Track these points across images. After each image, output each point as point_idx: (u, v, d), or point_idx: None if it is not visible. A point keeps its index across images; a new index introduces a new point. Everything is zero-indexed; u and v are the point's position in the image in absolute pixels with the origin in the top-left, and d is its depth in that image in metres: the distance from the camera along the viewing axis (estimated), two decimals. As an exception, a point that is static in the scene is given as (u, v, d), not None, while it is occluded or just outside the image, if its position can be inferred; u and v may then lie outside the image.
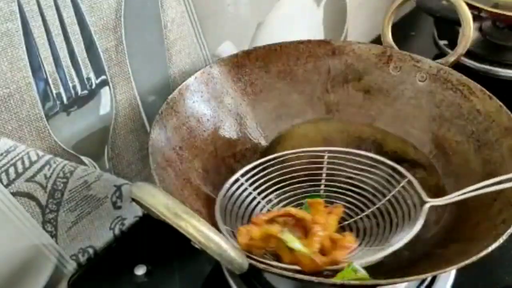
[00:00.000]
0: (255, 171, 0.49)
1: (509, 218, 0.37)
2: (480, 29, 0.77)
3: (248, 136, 0.52)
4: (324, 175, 0.50)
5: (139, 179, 0.53)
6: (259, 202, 0.47)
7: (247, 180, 0.48)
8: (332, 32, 0.76)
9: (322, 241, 0.39)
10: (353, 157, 0.50)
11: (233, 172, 0.49)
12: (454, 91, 0.50)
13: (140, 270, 0.47)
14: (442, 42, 0.76)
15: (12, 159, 0.41)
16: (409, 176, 0.47)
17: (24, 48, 0.39)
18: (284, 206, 0.47)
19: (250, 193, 0.48)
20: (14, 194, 0.42)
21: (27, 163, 0.42)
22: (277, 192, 0.49)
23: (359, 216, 0.47)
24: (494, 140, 0.45)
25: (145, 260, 0.48)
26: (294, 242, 0.38)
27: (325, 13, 0.73)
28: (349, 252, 0.40)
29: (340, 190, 0.49)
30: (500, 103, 0.46)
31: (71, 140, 0.45)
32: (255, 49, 0.54)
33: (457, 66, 0.52)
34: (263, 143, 0.53)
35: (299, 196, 0.49)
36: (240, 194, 0.47)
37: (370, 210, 0.46)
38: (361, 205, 0.47)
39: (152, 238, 0.51)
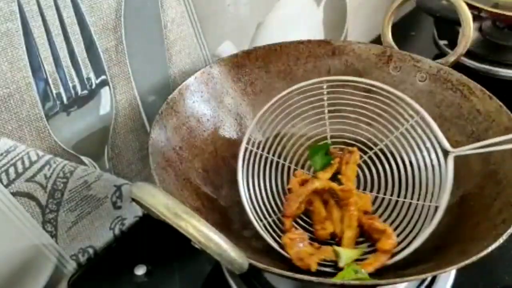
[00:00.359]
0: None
1: (509, 218, 0.37)
2: (480, 29, 0.77)
3: (248, 136, 0.52)
4: (326, 105, 0.50)
5: (139, 179, 0.53)
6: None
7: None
8: (332, 32, 0.76)
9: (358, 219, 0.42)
10: (354, 84, 0.49)
11: (233, 172, 0.49)
12: (454, 91, 0.50)
13: (140, 270, 0.47)
14: (442, 42, 0.76)
15: (12, 159, 0.41)
16: (422, 111, 0.45)
17: (24, 48, 0.39)
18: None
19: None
20: (14, 194, 0.42)
21: (27, 163, 0.42)
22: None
23: (369, 154, 0.48)
24: (494, 140, 0.45)
25: (145, 260, 0.48)
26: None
27: (325, 13, 0.73)
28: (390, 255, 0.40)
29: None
30: (500, 103, 0.46)
31: (71, 140, 0.45)
32: (255, 49, 0.54)
33: (457, 66, 0.52)
34: (263, 143, 0.53)
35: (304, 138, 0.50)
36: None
37: (379, 147, 0.46)
38: (371, 137, 0.48)
39: (152, 238, 0.51)
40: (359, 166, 0.49)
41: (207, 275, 0.48)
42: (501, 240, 0.35)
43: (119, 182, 0.51)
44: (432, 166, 0.44)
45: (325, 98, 0.50)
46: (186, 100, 0.49)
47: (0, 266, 0.43)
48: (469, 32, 0.52)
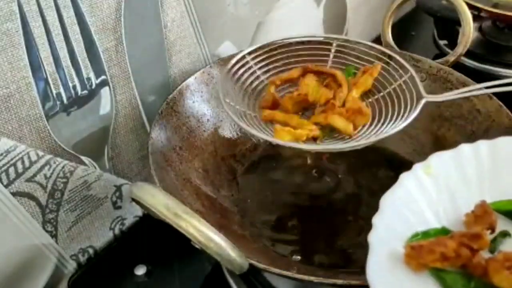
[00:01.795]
0: (262, 51, 0.48)
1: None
2: (480, 29, 0.77)
3: (248, 136, 0.52)
4: (330, 62, 0.49)
5: (139, 179, 0.53)
6: (264, 84, 0.47)
7: (253, 59, 0.47)
8: (332, 32, 0.76)
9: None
10: (361, 48, 0.49)
11: (233, 172, 0.49)
12: (454, 91, 0.50)
13: (140, 270, 0.47)
14: (442, 42, 0.76)
15: (12, 159, 0.41)
16: (412, 72, 0.45)
17: (24, 48, 0.39)
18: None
19: (255, 72, 0.47)
20: (14, 194, 0.42)
21: (27, 163, 0.42)
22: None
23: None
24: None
25: (145, 260, 0.48)
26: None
27: (325, 13, 0.73)
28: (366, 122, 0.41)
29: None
30: (500, 103, 0.46)
31: (71, 140, 0.45)
32: (255, 49, 0.54)
33: (457, 66, 0.52)
34: (263, 143, 0.53)
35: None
36: (244, 72, 0.46)
37: (371, 99, 0.46)
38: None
39: (152, 238, 0.51)
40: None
41: (207, 275, 0.48)
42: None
43: (119, 182, 0.51)
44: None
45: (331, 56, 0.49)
46: (186, 100, 0.49)
47: (0, 266, 0.43)
48: (469, 32, 0.52)
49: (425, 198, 0.35)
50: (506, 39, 0.74)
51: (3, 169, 0.41)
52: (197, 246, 0.32)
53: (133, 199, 0.34)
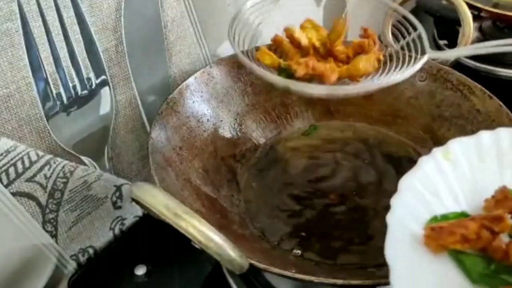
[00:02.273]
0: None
1: None
2: (480, 29, 0.77)
3: (248, 136, 0.52)
4: None
5: (139, 179, 0.53)
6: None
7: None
8: (332, 32, 0.76)
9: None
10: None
11: (233, 172, 0.49)
12: (454, 91, 0.50)
13: (140, 270, 0.47)
14: (442, 42, 0.76)
15: (12, 159, 0.41)
16: (421, 29, 0.45)
17: (24, 48, 0.39)
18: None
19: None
20: (14, 194, 0.42)
21: (27, 163, 0.42)
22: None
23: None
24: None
25: (145, 260, 0.48)
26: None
27: (325, 13, 0.73)
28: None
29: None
30: (500, 103, 0.46)
31: (71, 140, 0.45)
32: (255, 49, 0.54)
33: (457, 66, 0.52)
34: (263, 143, 0.53)
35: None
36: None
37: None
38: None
39: (152, 238, 0.51)
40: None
41: (207, 275, 0.48)
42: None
43: (119, 182, 0.51)
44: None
45: None
46: (186, 100, 0.49)
47: (0, 266, 0.43)
48: (469, 32, 0.52)
49: (444, 182, 0.34)
50: (506, 39, 0.74)
51: (3, 169, 0.41)
52: (197, 246, 0.32)
53: (133, 199, 0.33)
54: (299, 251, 0.43)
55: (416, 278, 0.29)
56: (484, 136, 0.37)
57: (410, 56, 0.44)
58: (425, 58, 0.42)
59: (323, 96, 0.42)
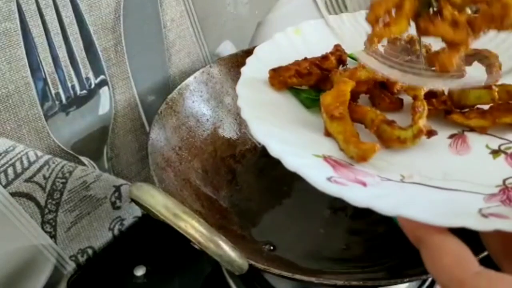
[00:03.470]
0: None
1: None
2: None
3: (248, 136, 0.52)
4: None
5: (138, 179, 0.53)
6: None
7: None
8: (332, 32, 0.76)
9: None
10: None
11: (233, 172, 0.49)
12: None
13: (140, 271, 0.47)
14: (442, 42, 0.76)
15: (11, 159, 0.41)
16: None
17: (23, 47, 0.39)
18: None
19: None
20: (13, 194, 0.42)
21: (26, 164, 0.42)
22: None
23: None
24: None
25: (145, 261, 0.48)
26: None
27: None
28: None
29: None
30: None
31: (70, 140, 0.45)
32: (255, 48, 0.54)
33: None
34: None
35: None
36: None
37: None
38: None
39: (151, 238, 0.51)
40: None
41: (207, 276, 0.48)
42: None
43: (118, 183, 0.51)
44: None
45: None
46: (186, 100, 0.49)
47: (-2, 266, 0.43)
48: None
49: (295, 50, 0.41)
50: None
51: (1, 169, 0.41)
52: (196, 247, 0.32)
53: (133, 200, 0.33)
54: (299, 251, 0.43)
55: (260, 102, 0.36)
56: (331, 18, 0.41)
57: None
58: None
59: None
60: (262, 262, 0.36)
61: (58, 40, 0.41)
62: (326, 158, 0.31)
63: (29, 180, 0.43)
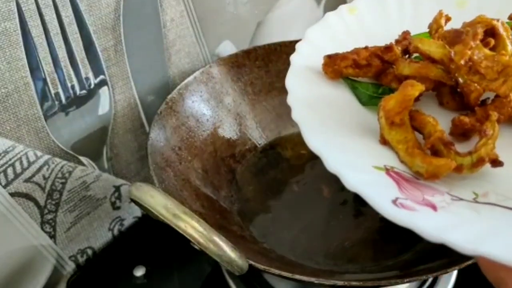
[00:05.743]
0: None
1: None
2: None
3: (248, 136, 0.52)
4: None
5: (138, 179, 0.53)
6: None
7: None
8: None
9: None
10: None
11: (233, 172, 0.49)
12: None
13: (139, 271, 0.47)
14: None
15: (10, 160, 0.41)
16: None
17: (23, 47, 0.39)
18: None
19: None
20: (12, 194, 0.42)
21: (25, 164, 0.42)
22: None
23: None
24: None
25: (144, 261, 0.48)
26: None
27: (325, 12, 0.73)
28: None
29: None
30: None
31: (70, 140, 0.45)
32: (255, 48, 0.54)
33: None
34: (263, 143, 0.53)
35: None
36: None
37: None
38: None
39: (151, 239, 0.51)
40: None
41: (207, 276, 0.48)
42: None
43: (118, 183, 0.51)
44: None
45: None
46: (186, 100, 0.49)
47: (-2, 267, 0.43)
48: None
49: (347, 32, 0.37)
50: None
51: (1, 169, 0.41)
52: (196, 247, 0.32)
53: (132, 200, 0.33)
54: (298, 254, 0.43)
55: (312, 99, 0.32)
56: None
57: None
58: None
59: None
60: (262, 262, 0.35)
61: (57, 40, 0.41)
62: (388, 171, 0.27)
63: (28, 180, 0.43)
